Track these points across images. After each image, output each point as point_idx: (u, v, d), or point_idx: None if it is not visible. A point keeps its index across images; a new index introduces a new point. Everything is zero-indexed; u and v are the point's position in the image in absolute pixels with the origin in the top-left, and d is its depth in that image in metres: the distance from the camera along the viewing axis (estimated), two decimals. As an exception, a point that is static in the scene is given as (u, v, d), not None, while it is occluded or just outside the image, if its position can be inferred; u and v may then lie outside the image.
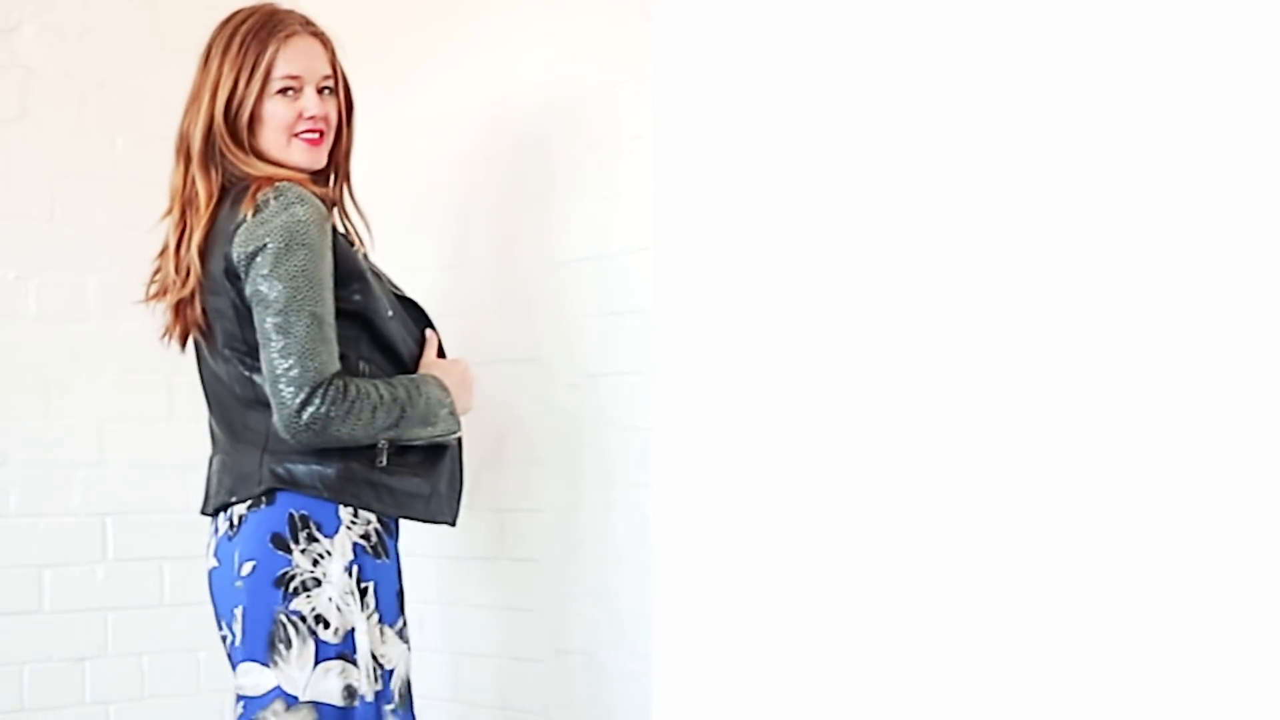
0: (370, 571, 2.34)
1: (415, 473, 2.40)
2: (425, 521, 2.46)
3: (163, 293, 2.46)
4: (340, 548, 2.32)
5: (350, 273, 2.37)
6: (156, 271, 2.49)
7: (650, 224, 2.56)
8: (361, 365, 2.39)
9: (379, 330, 2.41)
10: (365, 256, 2.49)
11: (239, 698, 2.35)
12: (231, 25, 2.42)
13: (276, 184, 2.32)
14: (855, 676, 1.88)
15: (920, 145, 1.83)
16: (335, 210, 2.46)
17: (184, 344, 2.49)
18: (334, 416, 2.26)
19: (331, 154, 2.49)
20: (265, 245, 2.27)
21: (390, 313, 2.44)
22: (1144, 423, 1.66)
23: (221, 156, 2.39)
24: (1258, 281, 1.58)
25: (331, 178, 2.51)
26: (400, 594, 2.42)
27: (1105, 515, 1.68)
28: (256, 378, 2.35)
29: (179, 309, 2.44)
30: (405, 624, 2.43)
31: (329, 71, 2.46)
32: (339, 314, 2.33)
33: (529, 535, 3.00)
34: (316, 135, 2.43)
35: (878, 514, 1.86)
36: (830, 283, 1.91)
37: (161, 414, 3.25)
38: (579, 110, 2.90)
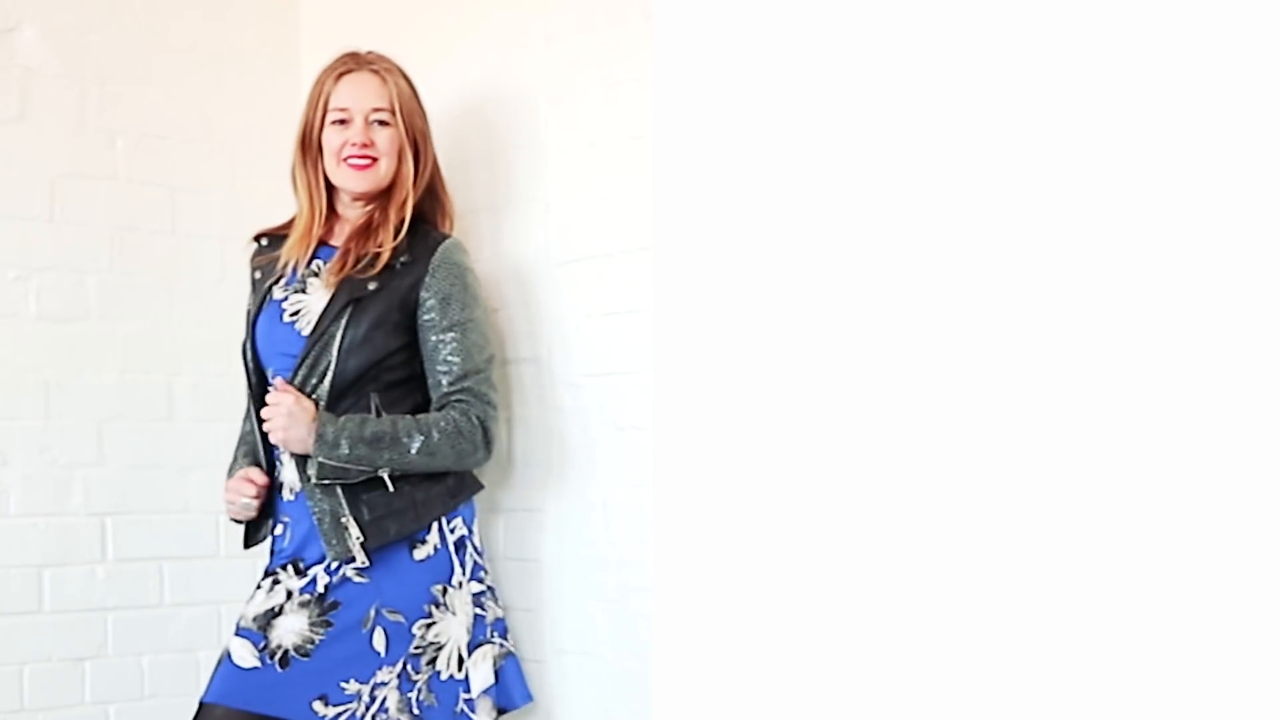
0: None
1: None
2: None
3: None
4: None
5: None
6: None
7: (650, 224, 2.56)
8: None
9: None
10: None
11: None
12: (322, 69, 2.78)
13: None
14: (855, 676, 1.88)
15: (920, 145, 1.83)
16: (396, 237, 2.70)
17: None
18: None
19: (397, 177, 2.74)
20: None
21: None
22: (1142, 424, 1.66)
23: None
24: (1257, 282, 1.59)
25: (404, 197, 2.74)
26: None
27: (1108, 515, 1.68)
28: None
29: None
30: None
31: (382, 104, 2.72)
32: None
33: (529, 535, 3.00)
34: (365, 161, 2.71)
35: (878, 513, 1.86)
36: (830, 282, 1.91)
37: (161, 414, 3.25)
38: (579, 110, 2.90)
